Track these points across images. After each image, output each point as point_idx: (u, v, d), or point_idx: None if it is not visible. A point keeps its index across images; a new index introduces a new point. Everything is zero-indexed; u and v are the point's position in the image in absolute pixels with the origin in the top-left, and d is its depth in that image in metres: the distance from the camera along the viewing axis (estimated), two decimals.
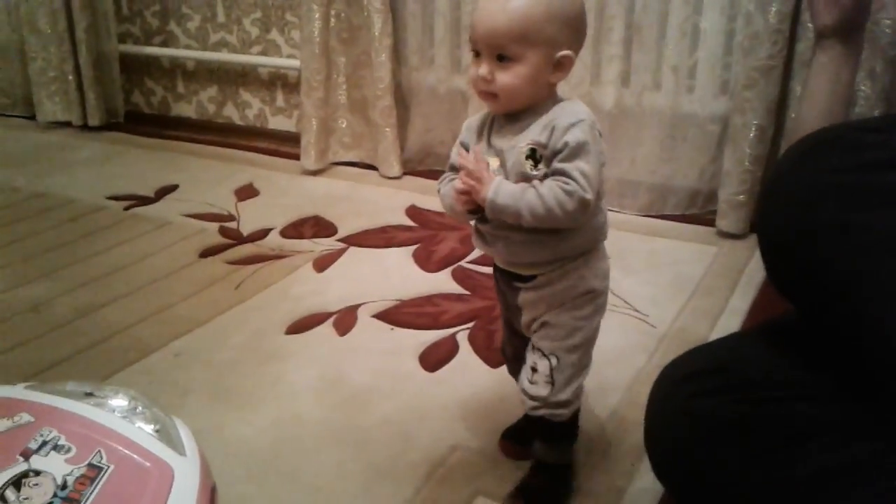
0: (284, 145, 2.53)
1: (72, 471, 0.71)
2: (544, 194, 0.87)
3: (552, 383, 0.98)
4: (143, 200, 2.15)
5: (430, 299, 1.59)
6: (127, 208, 2.10)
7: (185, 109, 2.83)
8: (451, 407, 1.25)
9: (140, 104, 2.92)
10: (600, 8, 1.90)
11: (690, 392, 0.78)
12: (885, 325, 0.67)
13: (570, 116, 0.88)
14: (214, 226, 1.96)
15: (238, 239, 1.89)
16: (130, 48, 2.80)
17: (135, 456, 0.75)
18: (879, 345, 0.67)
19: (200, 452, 0.81)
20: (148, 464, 0.75)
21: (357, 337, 1.46)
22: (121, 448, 0.76)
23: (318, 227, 1.96)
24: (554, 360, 0.97)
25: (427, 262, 1.76)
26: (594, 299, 0.98)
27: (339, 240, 1.88)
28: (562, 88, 0.95)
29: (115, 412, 0.80)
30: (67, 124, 2.81)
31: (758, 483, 0.69)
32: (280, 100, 2.63)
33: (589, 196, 0.86)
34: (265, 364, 1.37)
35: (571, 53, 0.89)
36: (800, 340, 0.78)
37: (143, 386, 1.24)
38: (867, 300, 0.68)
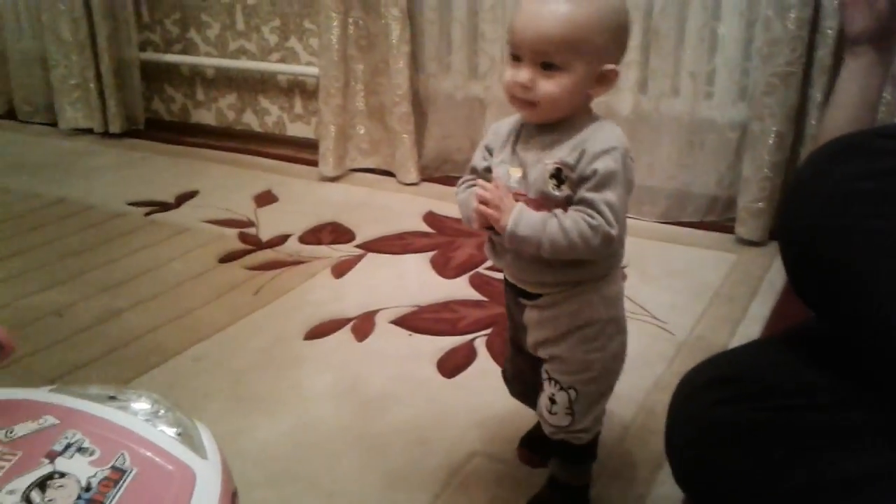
0: (303, 152, 2.54)
1: (96, 473, 0.72)
2: (567, 228, 0.83)
3: (572, 414, 0.95)
4: (164, 206, 2.17)
5: (447, 305, 1.59)
6: (147, 214, 2.12)
7: (205, 116, 2.85)
8: (469, 413, 1.25)
9: (160, 111, 2.95)
10: None
11: (711, 399, 0.78)
12: None
13: (603, 142, 0.84)
14: (234, 232, 1.98)
15: (257, 245, 1.90)
16: (151, 56, 2.83)
17: (157, 459, 0.76)
18: None
19: (222, 456, 0.81)
20: (170, 467, 0.76)
21: (375, 343, 1.47)
22: (144, 451, 0.76)
23: (336, 233, 1.97)
24: (573, 393, 0.94)
25: (445, 268, 1.76)
26: (603, 329, 0.93)
27: (356, 246, 1.89)
28: None
29: (138, 415, 0.81)
30: (89, 131, 2.84)
31: (779, 491, 0.69)
32: (298, 107, 2.64)
33: (614, 232, 0.83)
34: (284, 369, 1.38)
35: (616, 68, 0.86)
36: (821, 347, 0.77)
37: (163, 390, 1.24)
38: (889, 304, 0.67)
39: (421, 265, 1.78)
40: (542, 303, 0.93)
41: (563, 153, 0.86)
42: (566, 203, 0.86)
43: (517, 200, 0.87)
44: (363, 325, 1.52)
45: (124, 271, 1.77)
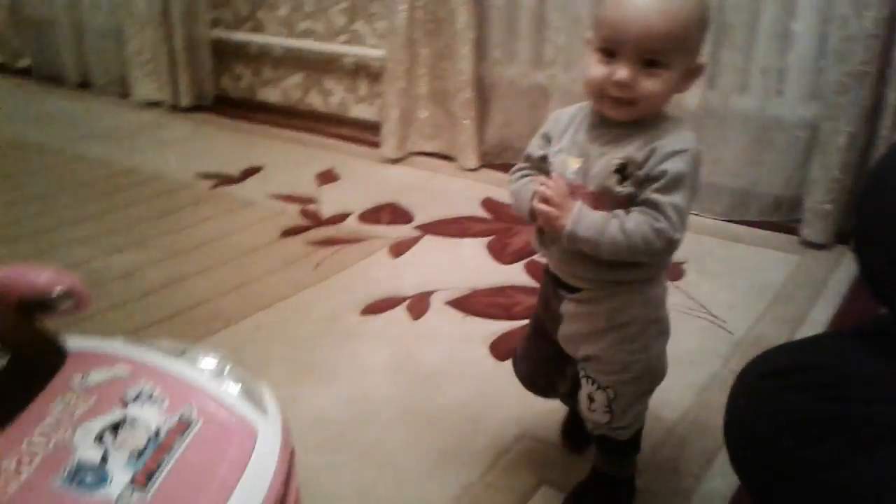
0: (365, 133, 2.58)
1: (164, 421, 0.75)
2: (630, 231, 0.81)
3: (611, 412, 0.94)
4: (229, 180, 2.23)
5: (502, 290, 1.60)
6: (213, 186, 2.18)
7: (271, 95, 2.91)
8: (520, 396, 1.24)
9: (228, 88, 3.02)
10: None
11: (777, 387, 0.77)
12: None
13: (675, 142, 0.81)
14: (296, 207, 2.02)
15: (318, 221, 1.94)
16: (221, 33, 2.90)
17: (222, 413, 0.79)
18: None
19: (283, 416, 0.84)
20: (234, 422, 0.79)
21: (429, 322, 1.49)
22: (209, 405, 0.79)
23: (394, 214, 1.99)
24: (611, 393, 0.93)
25: (501, 253, 1.77)
26: (644, 330, 0.91)
27: (415, 227, 1.91)
28: None
29: (205, 371, 0.84)
30: (159, 104, 2.93)
31: (841, 482, 0.68)
32: (363, 89, 2.67)
33: (678, 236, 0.81)
34: (341, 342, 1.41)
35: (704, 62, 0.84)
36: (892, 344, 0.76)
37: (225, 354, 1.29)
38: None
39: (477, 249, 1.79)
40: (582, 297, 0.91)
41: (631, 149, 0.83)
42: (627, 201, 0.83)
43: (573, 193, 0.85)
44: (418, 305, 1.54)
45: (191, 239, 1.83)
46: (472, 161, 2.29)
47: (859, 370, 0.75)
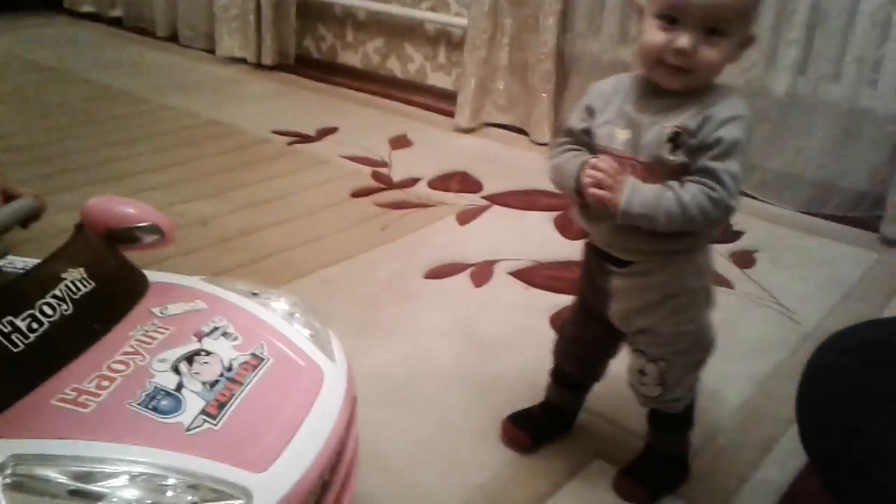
0: (440, 102, 2.58)
1: (237, 356, 0.78)
2: (687, 202, 0.80)
3: (663, 384, 0.94)
4: (305, 138, 2.27)
5: (566, 265, 1.59)
6: (290, 143, 2.22)
7: (351, 58, 2.93)
8: None
9: (310, 49, 3.06)
10: None
11: (857, 362, 0.75)
12: None
13: (729, 109, 0.81)
14: (368, 169, 2.04)
15: (388, 184, 1.96)
16: None
17: (291, 354, 0.82)
18: None
19: (348, 363, 0.86)
20: (302, 363, 0.81)
21: (491, 290, 1.50)
22: (280, 345, 0.82)
23: (464, 182, 2.00)
24: (663, 364, 0.93)
25: (567, 229, 1.76)
26: (693, 300, 0.91)
27: (483, 197, 1.91)
28: (731, 71, 0.90)
29: (277, 313, 0.87)
30: (242, 60, 2.99)
31: None
32: (441, 57, 2.67)
33: (734, 203, 0.81)
34: (404, 302, 1.43)
35: (755, 34, 0.84)
36: None
37: None
38: None
39: (544, 223, 1.79)
40: (633, 270, 0.90)
41: (684, 117, 0.82)
42: (679, 170, 0.83)
43: (622, 167, 0.84)
44: (482, 273, 1.55)
45: (265, 193, 1.87)
46: (546, 136, 2.27)
47: None
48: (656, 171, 0.83)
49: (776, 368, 1.28)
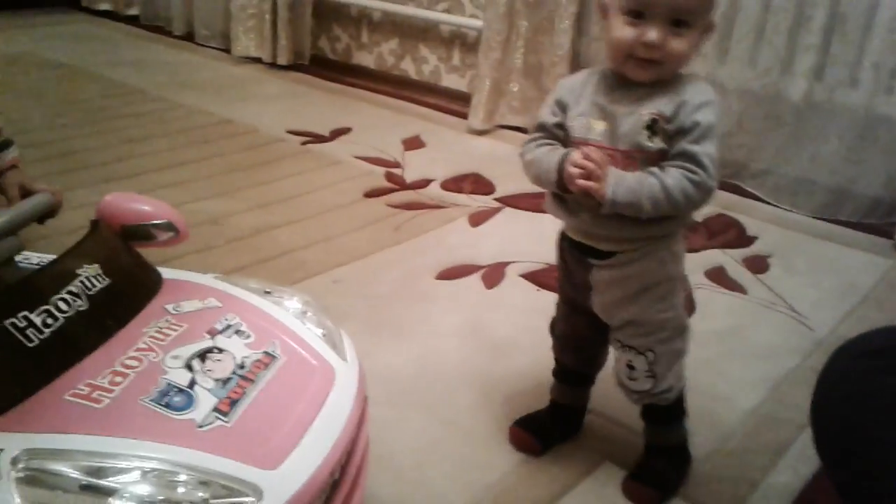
0: (454, 103, 2.58)
1: (249, 354, 0.78)
2: (670, 186, 0.83)
3: (653, 376, 0.95)
4: (319, 138, 2.27)
5: None
6: (304, 143, 2.23)
7: (366, 59, 2.94)
8: None
9: (325, 49, 3.07)
10: None
11: (872, 368, 0.74)
12: None
13: (701, 94, 0.85)
14: (381, 170, 2.05)
15: (401, 185, 1.96)
16: None
17: (304, 353, 0.82)
18: None
19: (360, 362, 0.87)
20: (314, 362, 0.82)
21: (503, 292, 1.49)
22: (292, 343, 0.82)
23: (477, 184, 2.00)
24: (651, 356, 0.94)
25: None
26: (673, 288, 0.94)
27: (495, 199, 1.91)
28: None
29: (290, 311, 0.88)
30: (258, 60, 3.00)
31: None
32: (456, 58, 2.67)
33: (714, 185, 0.83)
34: (415, 303, 1.44)
35: (715, 21, 0.88)
36: None
37: None
38: None
39: (556, 226, 1.77)
40: (615, 261, 0.92)
41: (659, 105, 0.85)
42: (658, 157, 0.85)
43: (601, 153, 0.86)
44: (493, 274, 1.55)
45: (278, 192, 1.88)
46: None
47: None
48: (635, 159, 0.86)
49: (789, 374, 1.27)
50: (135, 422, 0.69)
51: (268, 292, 0.90)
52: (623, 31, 0.84)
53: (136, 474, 0.65)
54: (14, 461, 0.64)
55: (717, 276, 1.58)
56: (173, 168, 1.98)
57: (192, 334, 0.79)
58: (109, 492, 0.64)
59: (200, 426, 0.70)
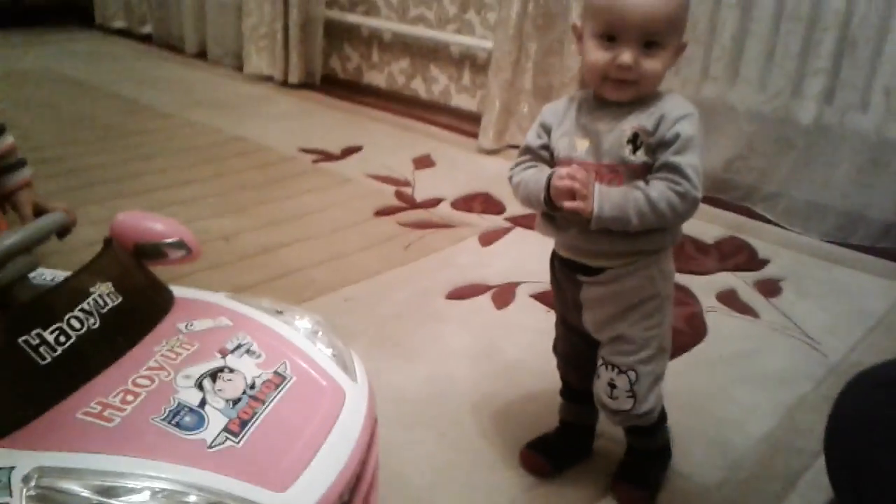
0: (464, 123, 2.59)
1: (260, 374, 0.78)
2: (655, 199, 0.84)
3: (634, 396, 0.95)
4: (330, 157, 2.28)
5: None
6: (315, 161, 2.24)
7: (377, 78, 2.96)
8: None
9: (336, 69, 3.09)
10: (812, 18, 1.81)
11: (888, 398, 0.74)
12: None
13: (679, 108, 0.86)
14: (391, 189, 2.05)
15: (411, 204, 1.97)
16: (335, 14, 2.96)
17: (314, 373, 0.82)
18: None
19: (370, 384, 0.86)
20: (324, 382, 0.81)
21: (513, 313, 1.49)
22: (303, 364, 0.82)
23: (487, 203, 2.00)
24: (632, 375, 0.95)
25: None
26: (661, 306, 0.94)
27: (506, 219, 1.91)
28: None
29: (301, 332, 0.87)
30: (269, 79, 3.02)
31: None
32: (466, 79, 2.69)
33: (699, 195, 0.84)
34: (425, 323, 1.43)
35: (687, 40, 0.89)
36: None
37: None
38: None
39: None
40: (605, 278, 0.92)
41: (640, 119, 0.87)
42: (642, 170, 0.86)
43: (588, 171, 0.87)
44: (504, 295, 1.55)
45: (289, 210, 1.88)
46: None
47: None
48: (620, 173, 0.88)
49: (801, 400, 1.26)
50: (146, 441, 0.69)
51: (279, 312, 0.90)
52: (597, 54, 0.86)
53: (146, 494, 0.65)
54: (26, 479, 0.64)
55: (729, 299, 1.57)
56: (185, 185, 1.99)
57: (204, 354, 0.79)
58: None
59: (211, 446, 0.70)
